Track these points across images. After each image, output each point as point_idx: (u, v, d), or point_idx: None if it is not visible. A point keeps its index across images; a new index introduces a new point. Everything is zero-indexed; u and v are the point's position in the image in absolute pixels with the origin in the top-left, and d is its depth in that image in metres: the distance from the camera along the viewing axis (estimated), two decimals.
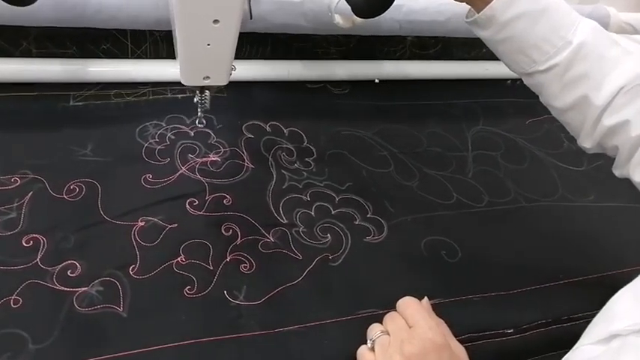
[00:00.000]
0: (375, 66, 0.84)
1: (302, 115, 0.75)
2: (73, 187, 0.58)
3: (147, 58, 0.73)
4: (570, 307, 0.58)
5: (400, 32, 0.79)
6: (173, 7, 0.46)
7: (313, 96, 0.80)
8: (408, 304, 0.46)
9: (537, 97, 0.95)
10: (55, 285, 0.49)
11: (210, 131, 0.68)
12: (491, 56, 0.94)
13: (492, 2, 0.48)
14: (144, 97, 0.72)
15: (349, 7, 0.57)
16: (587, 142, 0.52)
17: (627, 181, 0.81)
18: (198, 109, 0.63)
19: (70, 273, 0.50)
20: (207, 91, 0.59)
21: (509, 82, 0.94)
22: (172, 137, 0.67)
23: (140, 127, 0.67)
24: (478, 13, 0.50)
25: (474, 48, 0.89)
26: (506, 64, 0.54)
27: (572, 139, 0.85)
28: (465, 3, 0.51)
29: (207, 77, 0.52)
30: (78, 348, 0.45)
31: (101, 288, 0.49)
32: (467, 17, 0.53)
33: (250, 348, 0.48)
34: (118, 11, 0.64)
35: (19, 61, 0.67)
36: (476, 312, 0.56)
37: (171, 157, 0.64)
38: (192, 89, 0.57)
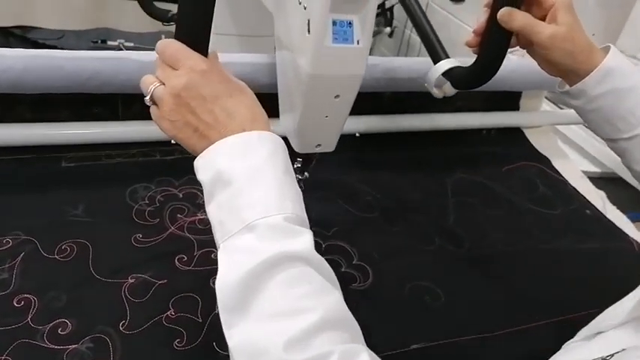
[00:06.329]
0: (356, 121, 0.87)
1: None
2: (65, 247, 0.60)
3: (137, 119, 0.75)
4: (547, 347, 0.59)
5: (378, 89, 0.83)
6: (297, 84, 0.50)
7: None
8: (164, 46, 0.43)
9: (512, 145, 0.98)
10: (46, 343, 0.50)
11: (197, 191, 0.71)
12: (466, 109, 0.98)
13: (586, 78, 0.53)
14: (133, 159, 0.74)
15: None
16: None
17: (600, 224, 0.84)
18: (298, 175, 0.66)
19: (61, 331, 0.51)
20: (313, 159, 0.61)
21: (484, 132, 0.98)
22: (161, 199, 0.69)
23: (130, 189, 0.69)
24: (570, 85, 0.55)
25: (449, 102, 0.94)
26: (592, 130, 0.58)
27: (547, 185, 0.89)
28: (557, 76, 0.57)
29: (319, 145, 0.57)
30: None
31: (91, 345, 0.50)
32: (559, 87, 0.58)
33: None
34: (111, 78, 0.67)
35: (11, 126, 0.70)
36: (460, 355, 0.57)
37: (161, 218, 0.66)
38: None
